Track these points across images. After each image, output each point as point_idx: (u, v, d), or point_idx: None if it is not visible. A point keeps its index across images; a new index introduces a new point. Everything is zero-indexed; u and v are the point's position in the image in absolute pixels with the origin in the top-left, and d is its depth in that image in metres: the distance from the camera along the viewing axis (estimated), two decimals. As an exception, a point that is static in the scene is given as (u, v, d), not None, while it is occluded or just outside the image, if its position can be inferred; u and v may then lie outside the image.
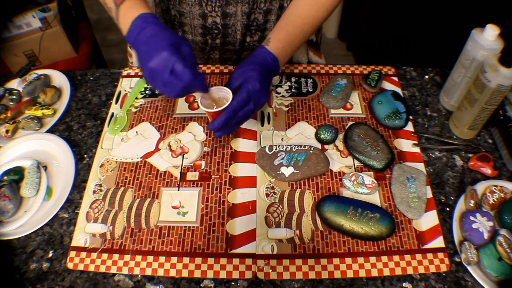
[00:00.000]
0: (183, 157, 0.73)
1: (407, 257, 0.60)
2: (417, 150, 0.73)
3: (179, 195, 0.68)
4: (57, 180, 0.72)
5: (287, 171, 0.68)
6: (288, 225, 0.64)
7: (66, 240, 0.64)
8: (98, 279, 0.60)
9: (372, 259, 0.60)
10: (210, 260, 0.61)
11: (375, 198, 0.67)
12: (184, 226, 0.64)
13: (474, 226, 0.61)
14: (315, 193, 0.67)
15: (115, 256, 0.62)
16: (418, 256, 0.60)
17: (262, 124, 0.77)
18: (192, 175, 0.70)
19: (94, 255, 0.62)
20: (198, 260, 0.61)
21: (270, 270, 0.60)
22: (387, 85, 0.84)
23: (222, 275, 0.59)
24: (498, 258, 0.58)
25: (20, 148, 0.76)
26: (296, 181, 0.69)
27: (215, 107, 0.65)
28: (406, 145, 0.74)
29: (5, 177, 0.70)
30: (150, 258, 0.61)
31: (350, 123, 0.76)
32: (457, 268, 0.60)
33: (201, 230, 0.64)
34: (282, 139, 0.75)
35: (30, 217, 0.67)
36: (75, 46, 1.62)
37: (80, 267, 0.61)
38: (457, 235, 0.62)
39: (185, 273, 0.60)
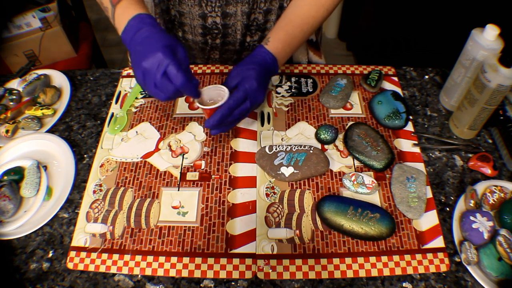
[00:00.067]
0: (183, 157, 0.73)
1: (407, 257, 0.60)
2: (417, 150, 0.73)
3: (179, 195, 0.68)
4: (57, 180, 0.72)
5: (287, 171, 0.68)
6: (288, 225, 0.64)
7: (66, 240, 0.64)
8: (98, 279, 0.60)
9: (372, 259, 0.60)
10: (210, 260, 0.61)
11: (375, 198, 0.67)
12: (184, 226, 0.64)
13: (474, 226, 0.61)
14: (315, 193, 0.67)
15: (115, 256, 0.62)
16: (418, 256, 0.60)
17: (262, 124, 0.77)
18: (192, 175, 0.70)
19: (94, 255, 0.62)
20: (198, 260, 0.61)
21: (270, 270, 0.60)
22: (387, 85, 0.84)
23: (222, 275, 0.59)
24: (498, 258, 0.58)
25: (20, 148, 0.76)
26: (296, 181, 0.69)
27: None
28: (406, 145, 0.74)
29: (5, 177, 0.70)
30: (150, 258, 0.61)
31: (350, 123, 0.76)
32: (457, 268, 0.60)
33: (201, 230, 0.64)
34: (282, 139, 0.75)
35: (30, 217, 0.67)
36: (75, 46, 1.62)
37: (80, 267, 0.61)
38: (457, 235, 0.62)
39: (185, 273, 0.60)
